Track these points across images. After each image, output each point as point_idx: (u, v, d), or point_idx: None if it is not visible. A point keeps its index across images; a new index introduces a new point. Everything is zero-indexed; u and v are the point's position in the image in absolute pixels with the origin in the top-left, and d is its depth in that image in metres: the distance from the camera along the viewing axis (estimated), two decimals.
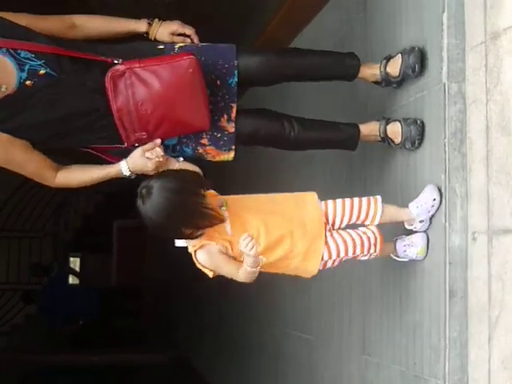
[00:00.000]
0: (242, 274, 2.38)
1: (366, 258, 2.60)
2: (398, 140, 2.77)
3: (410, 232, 2.67)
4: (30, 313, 10.58)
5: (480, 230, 2.43)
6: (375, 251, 2.57)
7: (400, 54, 2.74)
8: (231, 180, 5.70)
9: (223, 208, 2.43)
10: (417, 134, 2.70)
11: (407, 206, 2.62)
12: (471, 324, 2.45)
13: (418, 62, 2.69)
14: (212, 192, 2.47)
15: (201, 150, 2.69)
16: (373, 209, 2.57)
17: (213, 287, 6.93)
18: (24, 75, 2.39)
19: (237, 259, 2.41)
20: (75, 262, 12.48)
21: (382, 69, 2.79)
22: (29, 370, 9.48)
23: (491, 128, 2.42)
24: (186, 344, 8.42)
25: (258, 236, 2.42)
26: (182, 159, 2.59)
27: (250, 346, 5.45)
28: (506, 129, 2.34)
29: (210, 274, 2.44)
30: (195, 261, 2.42)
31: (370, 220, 2.58)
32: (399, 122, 2.75)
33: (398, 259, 2.72)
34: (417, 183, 2.76)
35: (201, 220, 2.34)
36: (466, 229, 2.50)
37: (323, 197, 3.76)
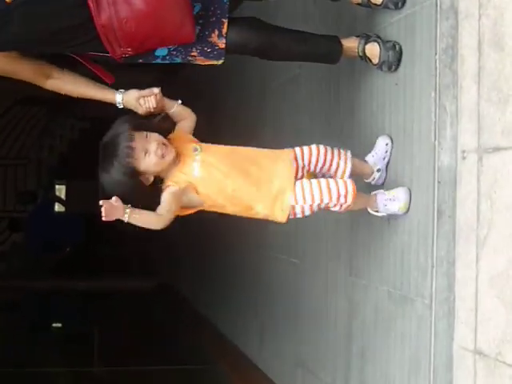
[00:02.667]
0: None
1: (337, 208, 2.56)
2: (375, 61, 2.79)
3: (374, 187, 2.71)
4: (16, 240, 10.59)
5: (470, 148, 2.39)
6: (346, 201, 2.53)
7: None
8: (224, 101, 5.63)
9: (196, 153, 2.53)
10: (394, 60, 2.73)
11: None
12: (459, 243, 2.44)
13: None
14: (190, 137, 2.60)
15: (190, 59, 2.69)
16: (343, 157, 2.65)
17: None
18: None
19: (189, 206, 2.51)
20: (61, 190, 12.43)
21: None
22: (16, 296, 9.56)
23: (483, 44, 2.35)
24: (171, 270, 8.48)
25: (222, 189, 2.51)
26: (180, 102, 2.62)
27: (235, 270, 5.48)
28: (499, 45, 2.27)
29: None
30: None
31: (342, 170, 2.64)
32: (378, 43, 2.75)
33: (376, 214, 2.71)
34: (406, 102, 2.71)
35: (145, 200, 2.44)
36: (456, 148, 2.46)
37: (311, 117, 3.73)
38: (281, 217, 2.56)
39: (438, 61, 2.51)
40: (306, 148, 2.65)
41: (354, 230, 3.16)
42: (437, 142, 2.50)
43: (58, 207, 11.33)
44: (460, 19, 2.48)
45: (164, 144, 2.47)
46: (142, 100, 2.55)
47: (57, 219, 10.32)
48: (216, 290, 6.16)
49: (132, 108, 2.60)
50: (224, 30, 2.61)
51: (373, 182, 2.81)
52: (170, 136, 2.58)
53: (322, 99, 3.60)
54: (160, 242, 9.18)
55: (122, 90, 2.60)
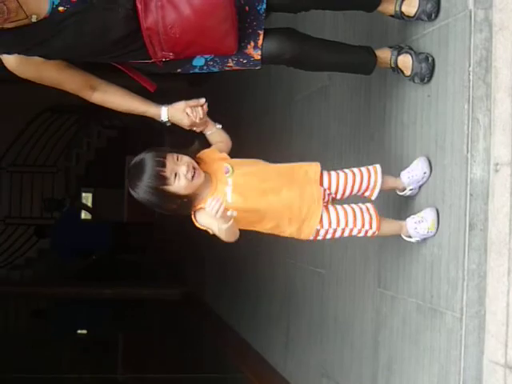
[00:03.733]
0: (220, 234, 2.47)
1: (362, 235, 2.59)
2: (407, 73, 2.78)
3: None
4: (42, 247, 10.68)
5: (503, 161, 2.38)
6: (371, 228, 2.57)
7: None
8: (249, 113, 5.65)
9: (228, 175, 2.52)
10: (427, 72, 2.72)
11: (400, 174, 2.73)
12: (490, 257, 2.42)
13: (435, 10, 2.68)
14: (222, 155, 2.60)
15: (227, 69, 2.71)
16: (373, 180, 2.63)
17: None
18: (57, 1, 2.39)
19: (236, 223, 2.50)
20: (87, 198, 12.53)
21: (398, 8, 2.76)
22: (42, 303, 9.63)
23: None
24: (198, 279, 8.49)
25: (255, 211, 2.54)
26: (220, 126, 2.65)
27: (261, 280, 5.47)
28: None
29: (210, 231, 2.54)
30: (194, 221, 2.53)
31: (370, 192, 2.64)
32: (411, 55, 2.74)
33: (409, 239, 2.71)
34: (438, 114, 2.70)
35: (176, 205, 2.47)
36: (489, 160, 2.45)
37: (341, 128, 3.73)
38: (305, 237, 2.61)
39: (471, 73, 2.50)
40: (333, 176, 2.63)
41: (383, 241, 3.14)
42: (469, 155, 2.48)
43: (84, 215, 11.43)
44: (494, 32, 2.47)
45: (194, 167, 2.46)
46: (189, 110, 2.57)
47: (83, 227, 10.41)
48: (241, 299, 6.16)
49: (177, 120, 2.60)
50: (260, 42, 2.61)
51: (404, 195, 2.81)
52: (201, 154, 2.58)
53: (351, 110, 3.60)
54: (186, 250, 9.21)
55: (166, 105, 2.61)
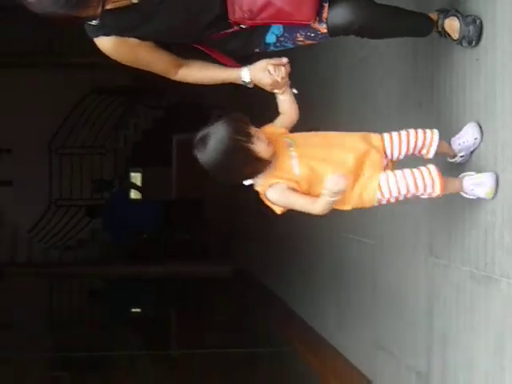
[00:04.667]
0: (321, 205, 2.41)
1: (425, 196, 2.53)
2: (455, 36, 2.72)
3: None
4: (95, 228, 10.83)
5: None
6: (434, 191, 2.49)
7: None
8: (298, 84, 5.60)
9: (291, 148, 2.48)
10: (474, 35, 2.66)
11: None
12: None
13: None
14: (281, 130, 2.55)
15: (300, 43, 2.70)
16: (429, 137, 2.57)
17: None
18: None
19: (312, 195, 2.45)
20: (136, 177, 12.64)
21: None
22: (96, 283, 9.79)
23: None
24: (249, 256, 8.52)
25: (323, 177, 2.43)
26: (296, 91, 2.61)
27: (311, 253, 5.46)
28: None
29: (279, 211, 2.51)
30: (264, 199, 2.48)
31: (427, 150, 2.58)
32: (458, 18, 2.68)
33: (466, 196, 2.64)
34: (487, 77, 2.63)
35: (253, 165, 2.40)
36: None
37: (388, 95, 3.66)
38: (368, 204, 2.55)
39: None
40: (395, 136, 2.58)
41: (433, 208, 3.10)
42: None
43: (134, 194, 11.53)
44: None
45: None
46: (271, 67, 2.55)
47: (133, 206, 10.49)
48: (292, 273, 6.16)
49: (259, 80, 2.58)
50: (324, 15, 2.56)
51: (455, 162, 2.76)
52: (262, 129, 2.53)
53: (398, 78, 3.54)
54: (236, 227, 9.25)
55: (246, 66, 2.61)
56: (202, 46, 2.67)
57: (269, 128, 2.56)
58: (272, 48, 2.70)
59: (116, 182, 11.14)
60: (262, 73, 2.57)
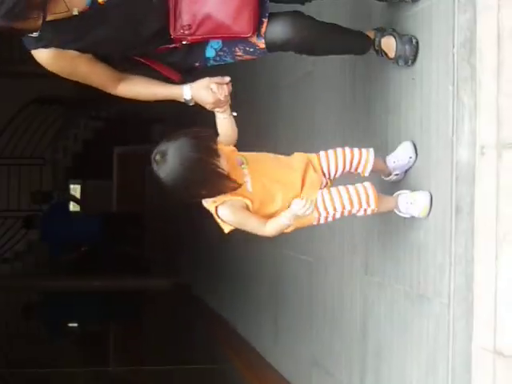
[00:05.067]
0: (275, 226, 2.41)
1: (361, 214, 2.54)
2: (391, 55, 2.73)
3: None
4: (32, 239, 10.61)
5: (489, 143, 2.33)
6: (369, 206, 2.51)
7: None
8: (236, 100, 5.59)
9: (243, 166, 2.46)
10: (411, 54, 2.68)
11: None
12: (478, 241, 2.38)
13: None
14: (231, 148, 2.51)
15: (239, 58, 2.68)
16: (365, 156, 2.59)
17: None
18: None
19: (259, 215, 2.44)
20: (76, 189, 12.45)
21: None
22: (32, 296, 9.57)
23: (503, 37, 2.29)
24: (188, 270, 8.46)
25: (273, 200, 2.45)
26: (235, 114, 2.57)
27: (251, 270, 5.44)
28: None
29: (227, 230, 2.46)
30: (215, 216, 2.43)
31: (363, 168, 2.59)
32: (394, 37, 2.70)
33: (401, 214, 2.65)
34: (423, 96, 2.65)
35: (218, 183, 2.33)
36: (475, 143, 2.40)
37: (326, 114, 3.68)
38: (307, 223, 2.55)
39: (455, 54, 2.45)
40: (331, 153, 2.59)
41: (369, 226, 3.10)
42: (455, 138, 2.44)
43: (73, 207, 11.35)
44: (478, 11, 2.42)
45: None
46: (214, 86, 2.52)
47: (72, 218, 10.32)
48: (231, 289, 6.13)
49: (201, 98, 2.54)
50: (263, 30, 2.56)
51: (390, 181, 2.77)
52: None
53: (336, 96, 3.55)
54: (176, 241, 9.17)
55: (188, 83, 2.58)
56: (144, 59, 2.64)
57: (220, 145, 2.49)
58: (212, 62, 2.68)
59: (55, 193, 10.95)
60: (204, 91, 2.54)
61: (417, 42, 2.67)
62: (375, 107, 3.05)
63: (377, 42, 2.74)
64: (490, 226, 2.32)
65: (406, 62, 2.70)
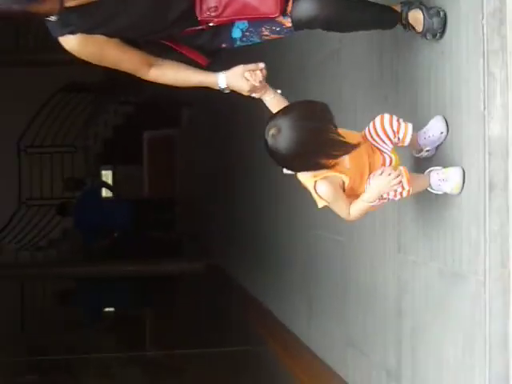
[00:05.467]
0: (358, 209, 2.40)
1: (397, 198, 2.47)
2: (419, 29, 2.67)
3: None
4: (66, 227, 10.71)
5: None
6: (403, 189, 2.42)
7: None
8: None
9: None
10: (438, 27, 2.61)
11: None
12: None
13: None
14: None
15: (266, 38, 2.65)
16: (403, 128, 2.50)
17: (246, 193, 6.89)
18: None
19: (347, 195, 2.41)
20: (107, 175, 12.53)
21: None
22: (67, 283, 9.68)
23: None
24: (221, 253, 8.47)
25: (364, 175, 2.42)
26: (279, 91, 2.57)
27: (283, 250, 5.42)
28: None
29: (321, 205, 2.43)
30: (312, 190, 2.39)
31: (403, 134, 2.49)
32: (421, 10, 2.63)
33: (433, 191, 2.60)
34: (453, 70, 2.59)
35: (335, 149, 2.31)
36: (507, 117, 2.34)
37: (353, 92, 3.63)
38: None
39: (485, 25, 2.38)
40: (377, 120, 2.51)
41: (401, 204, 3.05)
42: (486, 112, 2.38)
43: (105, 193, 11.43)
44: None
45: None
46: (248, 74, 2.51)
47: (104, 204, 10.39)
48: (264, 270, 6.12)
49: (236, 86, 2.54)
50: (289, 9, 2.54)
51: (421, 157, 2.72)
52: None
53: (363, 73, 3.49)
54: (208, 224, 9.19)
55: (223, 71, 2.56)
56: (170, 43, 2.62)
57: None
58: (239, 43, 2.65)
59: (87, 180, 11.04)
60: (239, 79, 2.53)
61: (445, 15, 2.60)
62: (404, 83, 2.99)
63: (404, 16, 2.67)
64: None
65: (434, 36, 2.64)
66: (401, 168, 2.44)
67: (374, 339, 3.47)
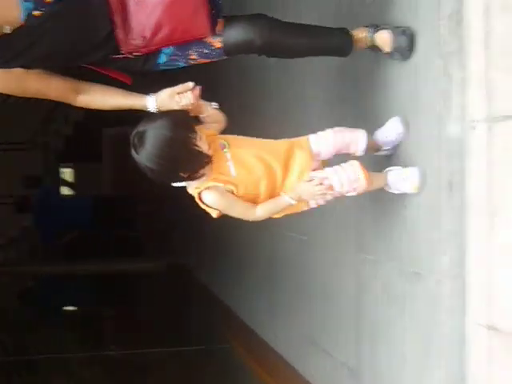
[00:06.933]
0: (268, 208, 2.43)
1: (353, 194, 2.51)
2: (387, 49, 2.66)
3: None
4: (25, 225, 10.57)
5: (479, 117, 2.30)
6: (359, 185, 2.47)
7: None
8: (225, 76, 5.54)
9: (225, 150, 2.42)
10: (406, 45, 2.58)
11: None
12: (470, 216, 2.36)
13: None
14: (211, 131, 2.46)
15: (193, 62, 2.59)
16: (356, 138, 2.56)
17: None
18: (30, 5, 2.31)
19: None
20: (67, 173, 12.40)
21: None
22: (27, 282, 9.55)
23: (491, 7, 2.25)
24: (185, 252, 8.44)
25: (256, 184, 2.43)
26: (216, 105, 2.51)
27: (246, 249, 5.42)
28: (508, 7, 2.17)
29: (215, 214, 2.44)
30: (199, 202, 2.40)
31: (355, 148, 2.56)
32: (388, 30, 2.62)
33: (391, 191, 2.63)
34: (411, 71, 2.61)
35: (195, 161, 2.32)
36: (464, 117, 2.37)
37: (315, 90, 3.64)
38: (299, 209, 2.56)
39: (442, 27, 2.41)
40: (321, 135, 2.55)
41: (361, 205, 3.07)
42: (444, 112, 2.40)
43: (65, 191, 11.31)
44: None
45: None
46: (177, 97, 2.44)
47: (64, 202, 10.28)
48: (227, 269, 6.11)
49: (168, 109, 2.46)
50: (219, 28, 2.49)
51: (380, 155, 2.74)
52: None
53: (324, 73, 3.50)
54: (170, 222, 9.14)
55: (152, 94, 2.49)
56: (96, 68, 2.55)
57: (200, 129, 2.46)
58: (162, 67, 2.57)
59: (46, 177, 10.91)
60: (169, 102, 2.45)
61: (411, 33, 2.57)
62: (366, 83, 3.00)
63: (370, 38, 2.66)
64: (481, 201, 2.29)
65: (403, 55, 2.61)
66: (355, 162, 2.47)
67: (336, 338, 3.49)
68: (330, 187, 2.44)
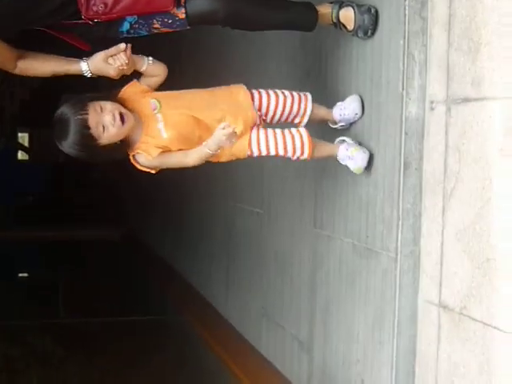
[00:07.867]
0: (195, 156, 2.46)
1: (294, 158, 2.58)
2: (350, 27, 2.66)
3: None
4: None
5: (438, 99, 2.33)
6: (302, 154, 2.55)
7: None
8: (188, 48, 5.48)
9: (156, 111, 2.47)
10: (370, 24, 2.60)
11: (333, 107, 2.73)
12: (425, 196, 2.40)
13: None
14: (144, 88, 2.52)
15: (155, 31, 2.58)
16: (303, 105, 2.63)
17: None
18: None
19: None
20: (24, 138, 12.19)
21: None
22: None
23: None
24: (138, 219, 8.40)
25: (191, 140, 2.49)
26: (151, 59, 2.52)
27: (201, 220, 5.41)
28: None
29: (153, 171, 2.53)
30: (135, 164, 2.49)
31: (300, 118, 2.64)
32: (352, 7, 2.62)
33: (340, 161, 2.67)
34: (374, 50, 2.62)
35: (105, 154, 2.44)
36: (424, 98, 2.40)
37: (278, 62, 3.63)
38: (241, 157, 2.59)
39: (407, 7, 2.42)
40: (264, 93, 2.60)
41: (318, 181, 3.10)
42: (404, 92, 2.42)
43: (21, 155, 11.13)
44: None
45: (120, 112, 2.38)
46: (110, 59, 2.44)
47: (19, 168, 10.12)
48: (182, 241, 6.10)
49: (102, 73, 2.47)
50: (182, 0, 2.47)
51: (336, 129, 2.78)
52: (122, 94, 2.49)
53: (287, 47, 3.49)
54: (126, 190, 9.08)
55: (85, 58, 2.47)
56: (54, 31, 2.49)
57: (131, 87, 2.52)
58: (125, 35, 2.55)
59: (2, 141, 10.70)
60: (103, 65, 2.45)
61: (376, 12, 2.58)
62: (326, 59, 3.01)
63: (335, 15, 2.65)
64: (437, 182, 2.33)
65: (366, 33, 2.62)
66: (301, 130, 2.54)
67: (289, 311, 3.52)
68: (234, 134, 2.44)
